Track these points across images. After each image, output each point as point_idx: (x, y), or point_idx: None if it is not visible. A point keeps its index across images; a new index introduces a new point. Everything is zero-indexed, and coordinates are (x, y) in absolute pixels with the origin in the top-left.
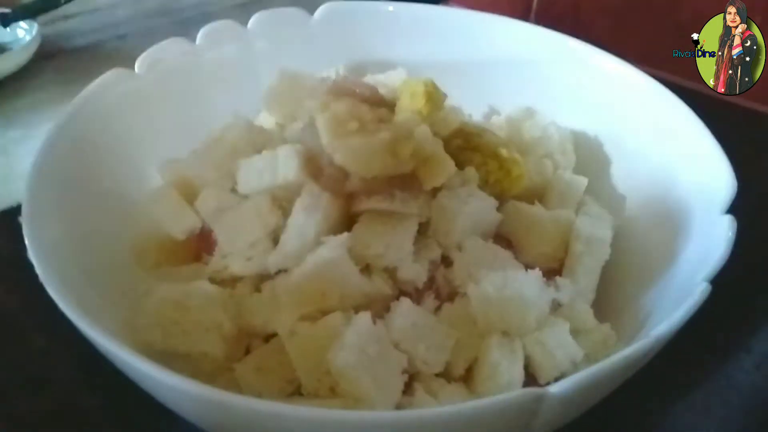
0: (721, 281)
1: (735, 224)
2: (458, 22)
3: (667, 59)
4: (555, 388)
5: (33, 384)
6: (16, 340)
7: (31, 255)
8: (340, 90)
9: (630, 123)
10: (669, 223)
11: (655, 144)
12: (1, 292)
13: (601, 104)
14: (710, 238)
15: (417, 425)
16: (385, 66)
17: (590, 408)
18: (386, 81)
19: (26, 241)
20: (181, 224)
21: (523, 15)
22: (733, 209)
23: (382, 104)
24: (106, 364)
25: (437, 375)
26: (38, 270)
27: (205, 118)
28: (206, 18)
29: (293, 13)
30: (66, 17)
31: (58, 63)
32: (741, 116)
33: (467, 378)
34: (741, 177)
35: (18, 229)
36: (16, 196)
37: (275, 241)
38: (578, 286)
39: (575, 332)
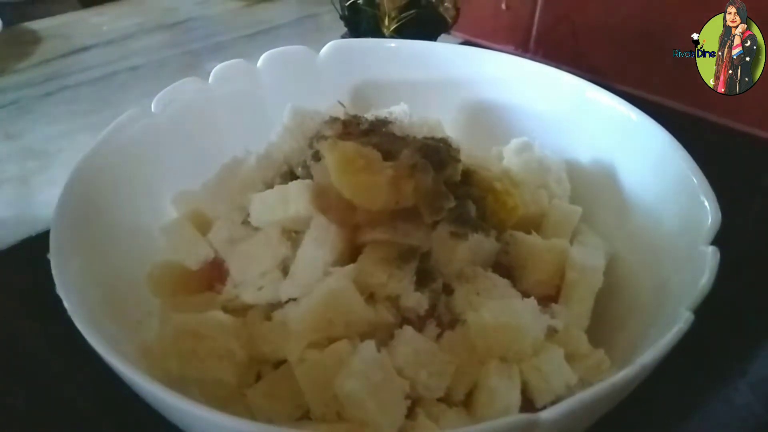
0: (716, 305)
1: (718, 255)
2: (456, 57)
3: (663, 84)
4: (546, 414)
5: (49, 408)
6: (34, 364)
7: (59, 290)
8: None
9: (622, 155)
10: (658, 252)
11: (646, 175)
12: (20, 318)
13: (595, 137)
14: (695, 269)
15: None
16: (388, 100)
17: (587, 430)
18: (389, 116)
19: (54, 278)
20: (194, 255)
21: (523, 43)
22: (727, 234)
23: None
24: (119, 388)
25: (438, 400)
26: (66, 305)
27: (217, 153)
28: (216, 48)
29: (300, 51)
30: (81, 49)
31: (74, 94)
32: (737, 141)
33: (467, 403)
34: (736, 201)
35: (36, 257)
36: (34, 225)
37: (285, 271)
38: (573, 313)
39: (571, 357)
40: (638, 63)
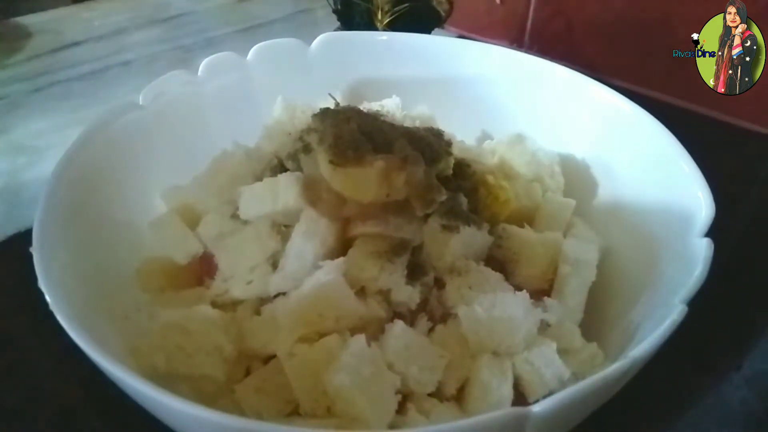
0: (710, 299)
1: (712, 247)
2: (449, 49)
3: (658, 79)
4: (538, 407)
5: (39, 404)
6: (22, 361)
7: (42, 285)
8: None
9: (616, 148)
10: (651, 244)
11: (640, 168)
12: (9, 315)
13: (589, 129)
14: (688, 261)
15: None
16: (380, 93)
17: (582, 426)
18: (381, 109)
19: (37, 272)
20: (183, 249)
21: (518, 37)
22: (722, 228)
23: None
24: (109, 385)
25: (430, 395)
26: (49, 299)
27: (206, 147)
28: (208, 44)
29: (291, 44)
30: (72, 45)
31: (64, 90)
32: (730, 134)
33: (459, 397)
34: (730, 195)
35: (26, 253)
36: (24, 221)
37: (274, 265)
38: (566, 307)
39: (564, 351)
40: (633, 58)
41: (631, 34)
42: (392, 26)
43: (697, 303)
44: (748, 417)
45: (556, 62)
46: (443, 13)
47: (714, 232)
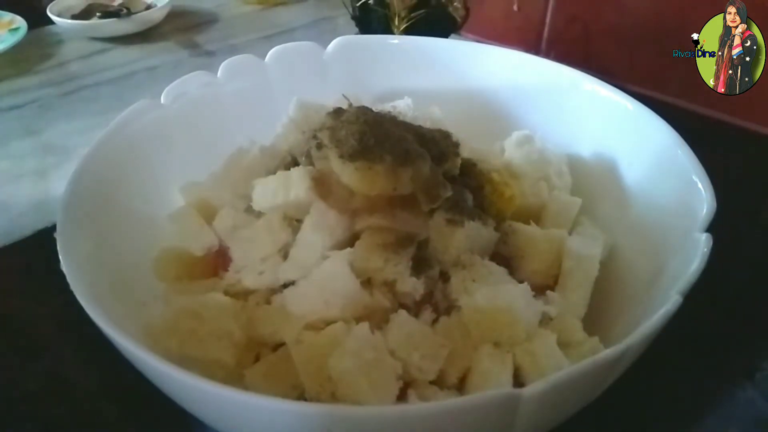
0: (719, 301)
1: (711, 242)
2: (460, 53)
3: (674, 83)
4: (529, 389)
5: (58, 388)
6: (45, 347)
7: (64, 267)
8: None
9: (623, 146)
10: (655, 242)
11: (646, 166)
12: (35, 305)
13: (595, 129)
14: (689, 255)
15: (399, 419)
16: (393, 95)
17: (589, 428)
18: (393, 110)
19: (60, 254)
20: (199, 242)
21: (535, 44)
22: (728, 231)
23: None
24: (127, 371)
25: (431, 383)
26: (69, 280)
27: (225, 145)
28: (231, 50)
29: (307, 46)
30: (101, 51)
31: (92, 93)
32: (730, 134)
33: (460, 387)
34: (731, 197)
35: (53, 246)
36: (51, 217)
37: (285, 256)
38: (568, 301)
39: (565, 344)
40: (651, 64)
41: (648, 40)
42: (409, 32)
43: (707, 305)
44: (756, 418)
45: (573, 68)
46: (459, 19)
47: (719, 233)
